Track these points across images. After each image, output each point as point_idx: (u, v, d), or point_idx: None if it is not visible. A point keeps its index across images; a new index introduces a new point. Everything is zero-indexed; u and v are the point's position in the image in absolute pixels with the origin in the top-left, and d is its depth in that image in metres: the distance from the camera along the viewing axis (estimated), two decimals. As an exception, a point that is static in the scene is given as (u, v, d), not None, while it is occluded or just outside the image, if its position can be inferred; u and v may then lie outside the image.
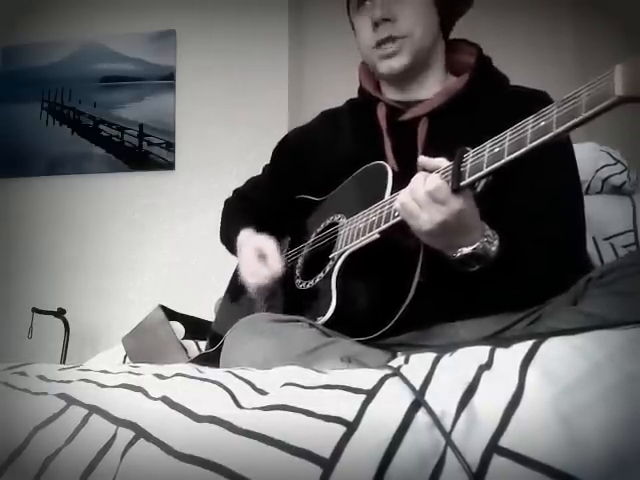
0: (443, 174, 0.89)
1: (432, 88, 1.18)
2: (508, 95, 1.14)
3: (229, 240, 1.31)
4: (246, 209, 1.35)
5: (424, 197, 0.88)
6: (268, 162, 1.43)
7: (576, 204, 1.09)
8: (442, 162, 0.91)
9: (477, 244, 0.91)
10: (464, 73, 1.17)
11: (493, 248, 0.93)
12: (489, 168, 0.83)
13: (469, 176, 0.86)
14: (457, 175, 0.87)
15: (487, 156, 0.84)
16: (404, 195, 0.92)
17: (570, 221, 1.07)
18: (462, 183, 0.86)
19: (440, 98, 1.15)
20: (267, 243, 1.16)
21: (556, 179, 1.06)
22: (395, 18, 1.12)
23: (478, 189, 0.91)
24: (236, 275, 1.37)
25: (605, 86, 0.70)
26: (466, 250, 0.92)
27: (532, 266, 1.01)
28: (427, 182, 0.89)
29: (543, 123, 0.77)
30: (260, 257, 1.15)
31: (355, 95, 1.30)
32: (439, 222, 0.88)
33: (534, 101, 1.03)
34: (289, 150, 1.37)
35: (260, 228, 1.22)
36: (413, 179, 0.92)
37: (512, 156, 0.81)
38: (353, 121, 1.26)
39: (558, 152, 1.06)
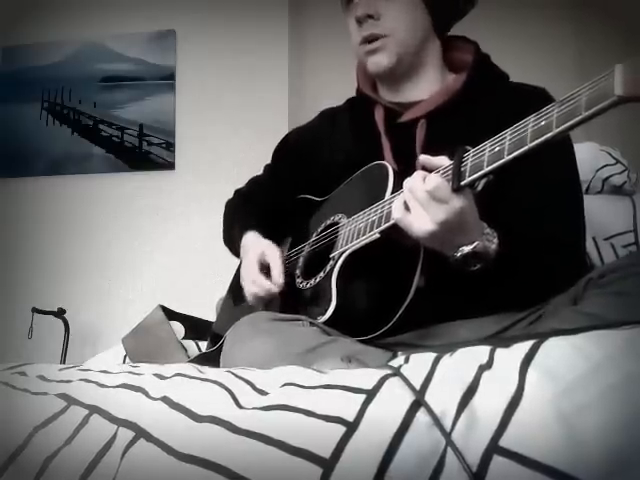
0: (443, 174, 0.89)
1: (428, 88, 1.17)
2: (507, 92, 1.13)
3: (233, 242, 1.31)
4: (248, 210, 1.34)
5: (425, 196, 0.88)
6: (269, 162, 1.43)
7: (576, 203, 1.09)
8: (443, 161, 0.91)
9: (477, 242, 0.91)
10: (462, 71, 1.16)
11: (493, 246, 0.93)
12: (489, 167, 0.83)
13: (469, 175, 0.86)
14: (457, 174, 0.87)
15: (487, 155, 0.84)
16: (404, 195, 0.92)
17: (570, 220, 1.07)
18: (462, 182, 0.86)
19: (437, 99, 1.14)
20: (272, 252, 1.14)
21: (556, 178, 1.06)
22: (378, 16, 1.12)
23: (478, 188, 0.91)
24: (238, 275, 1.37)
25: (605, 86, 0.70)
26: (467, 249, 0.91)
27: (532, 265, 1.01)
28: (427, 182, 0.88)
29: (543, 122, 0.77)
30: (263, 267, 1.13)
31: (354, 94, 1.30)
32: (441, 221, 0.87)
33: (533, 98, 1.04)
34: (290, 150, 1.37)
35: (265, 232, 1.21)
36: (410, 179, 0.91)
37: (512, 155, 0.81)
38: (352, 121, 1.25)
39: (558, 151, 1.06)
